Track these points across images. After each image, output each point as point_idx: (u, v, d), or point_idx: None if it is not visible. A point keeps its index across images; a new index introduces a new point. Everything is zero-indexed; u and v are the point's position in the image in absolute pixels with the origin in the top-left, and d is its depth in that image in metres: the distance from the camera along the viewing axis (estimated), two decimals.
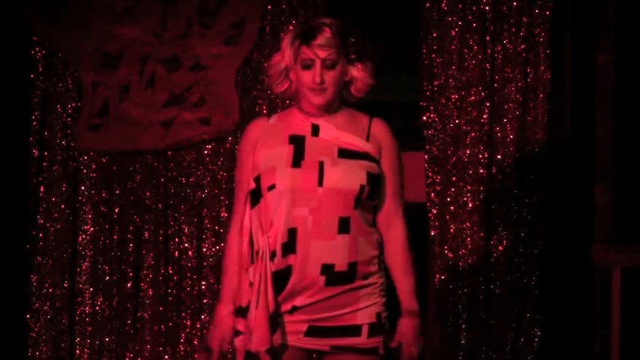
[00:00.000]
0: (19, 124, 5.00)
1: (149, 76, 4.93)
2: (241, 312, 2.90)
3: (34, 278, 4.98)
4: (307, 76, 2.88)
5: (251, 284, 2.86)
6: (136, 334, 4.95)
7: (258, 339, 2.81)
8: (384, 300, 2.94)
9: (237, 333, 2.92)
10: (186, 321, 4.90)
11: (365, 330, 2.89)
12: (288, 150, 2.87)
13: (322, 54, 2.85)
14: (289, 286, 2.84)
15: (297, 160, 2.86)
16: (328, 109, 2.93)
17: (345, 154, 2.88)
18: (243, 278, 2.91)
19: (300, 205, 2.82)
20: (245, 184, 2.94)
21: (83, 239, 4.98)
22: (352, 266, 2.85)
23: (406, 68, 5.27)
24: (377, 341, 2.91)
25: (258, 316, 2.81)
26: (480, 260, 4.61)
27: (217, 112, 4.86)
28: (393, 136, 2.99)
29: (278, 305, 2.85)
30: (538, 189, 4.60)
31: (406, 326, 2.93)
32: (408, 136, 4.83)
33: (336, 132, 2.91)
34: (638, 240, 4.36)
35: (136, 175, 4.96)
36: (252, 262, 2.87)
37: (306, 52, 2.87)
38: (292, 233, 2.82)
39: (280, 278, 2.83)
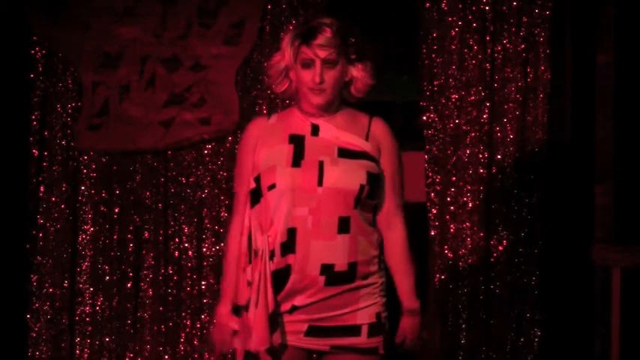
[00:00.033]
0: (19, 124, 5.00)
1: (149, 76, 4.93)
2: (237, 310, 2.91)
3: (34, 278, 4.98)
4: (307, 76, 2.88)
5: (249, 283, 2.86)
6: (136, 334, 4.95)
7: (258, 338, 2.81)
8: (384, 300, 2.94)
9: (234, 332, 2.93)
10: (186, 321, 4.90)
11: (365, 330, 2.89)
12: (288, 149, 2.87)
13: (322, 54, 2.86)
14: (289, 285, 2.84)
15: (297, 159, 2.86)
16: (328, 109, 2.93)
17: (344, 153, 2.88)
18: (240, 277, 2.91)
19: (300, 204, 2.82)
20: (245, 183, 2.94)
21: (83, 239, 4.98)
22: (352, 266, 2.85)
23: (406, 68, 5.27)
24: (377, 341, 2.91)
25: (257, 316, 2.81)
26: (480, 260, 4.61)
27: (217, 112, 4.86)
28: (392, 135, 2.99)
29: (277, 305, 2.85)
30: (538, 189, 4.60)
31: (407, 325, 2.96)
32: (408, 136, 4.83)
33: (335, 132, 2.91)
34: (638, 240, 4.36)
35: (136, 175, 4.96)
36: (250, 262, 2.87)
37: (306, 52, 2.87)
38: (292, 233, 2.82)
39: (279, 278, 2.84)
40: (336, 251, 2.83)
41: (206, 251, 4.89)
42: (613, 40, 4.46)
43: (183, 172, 4.93)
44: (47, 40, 4.99)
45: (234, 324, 2.92)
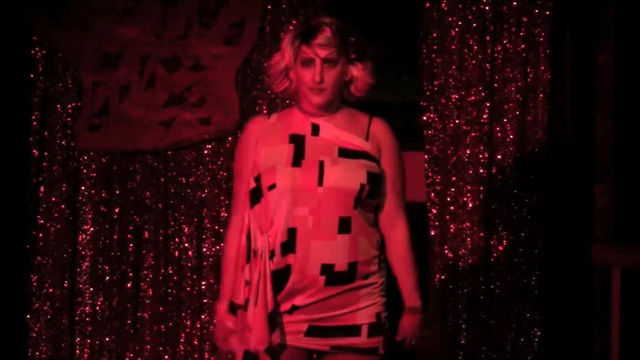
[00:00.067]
0: (19, 124, 5.00)
1: (149, 76, 4.93)
2: (233, 309, 2.91)
3: (34, 278, 4.98)
4: (307, 75, 2.88)
5: (247, 283, 2.86)
6: (136, 334, 4.95)
7: (257, 337, 2.81)
8: (383, 300, 2.95)
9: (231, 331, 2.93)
10: (186, 321, 4.90)
11: (365, 330, 2.89)
12: (288, 149, 2.87)
13: (322, 53, 2.86)
14: (289, 285, 2.84)
15: (298, 159, 2.86)
16: (328, 109, 2.93)
17: (345, 153, 2.88)
18: (239, 276, 2.91)
19: (300, 204, 2.82)
20: (245, 182, 2.94)
21: (83, 239, 4.98)
22: (352, 266, 2.85)
23: (406, 68, 5.27)
24: (377, 341, 2.91)
25: (257, 315, 2.81)
26: (480, 260, 4.61)
27: (217, 112, 4.86)
28: (393, 135, 2.99)
29: (277, 304, 2.85)
30: (538, 189, 4.60)
31: (407, 323, 2.96)
32: (408, 136, 4.83)
33: (336, 131, 2.91)
34: (638, 240, 4.36)
35: (136, 175, 4.96)
36: (249, 261, 2.87)
37: (307, 52, 2.87)
38: (292, 233, 2.82)
39: (279, 277, 2.83)
40: (336, 251, 2.83)
41: (206, 251, 4.89)
42: (613, 40, 4.46)
43: (183, 172, 4.93)
44: (47, 40, 4.99)
45: (230, 323, 2.92)
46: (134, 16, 4.95)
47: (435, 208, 4.67)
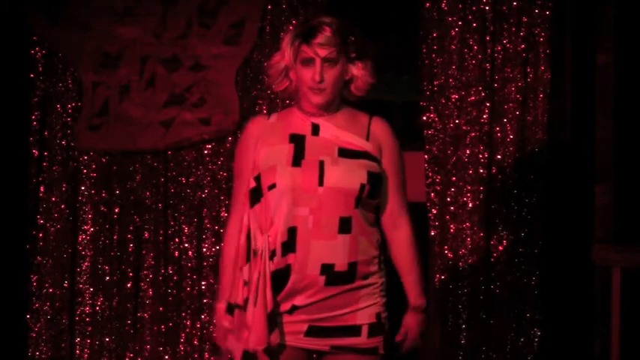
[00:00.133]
0: (19, 124, 5.00)
1: (149, 76, 4.93)
2: (230, 309, 2.91)
3: (34, 278, 4.98)
4: (307, 75, 2.88)
5: (245, 283, 2.86)
6: (136, 334, 4.95)
7: (256, 337, 2.81)
8: (384, 300, 2.95)
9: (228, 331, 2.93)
10: (186, 321, 4.90)
11: (365, 330, 2.89)
12: (288, 149, 2.87)
13: (322, 52, 2.86)
14: (289, 285, 2.83)
15: (298, 159, 2.86)
16: (328, 109, 2.93)
17: (345, 153, 2.88)
18: (237, 276, 2.90)
19: (300, 204, 2.82)
20: (245, 182, 2.93)
21: (83, 239, 4.98)
22: (352, 266, 2.85)
23: (406, 68, 5.27)
24: (377, 341, 2.91)
25: (256, 315, 2.81)
26: (480, 260, 4.61)
27: (217, 112, 4.86)
28: (393, 134, 2.99)
29: (276, 304, 2.85)
30: (538, 189, 4.60)
31: (411, 321, 2.97)
32: (408, 136, 4.83)
33: (336, 131, 2.91)
34: (638, 240, 4.36)
35: (136, 175, 4.96)
36: (248, 261, 2.87)
37: (307, 51, 2.87)
38: (292, 232, 2.82)
39: (280, 277, 2.83)
40: (336, 251, 2.83)
41: (206, 251, 4.89)
42: (613, 40, 4.46)
43: (183, 172, 4.93)
44: (47, 40, 4.99)
45: (227, 323, 2.92)
46: (134, 16, 4.95)
47: (435, 208, 4.67)
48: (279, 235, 2.83)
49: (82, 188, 4.98)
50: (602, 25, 4.49)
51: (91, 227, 4.97)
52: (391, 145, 2.97)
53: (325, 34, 2.85)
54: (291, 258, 2.82)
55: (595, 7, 4.51)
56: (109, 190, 4.97)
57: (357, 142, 2.91)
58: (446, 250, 4.65)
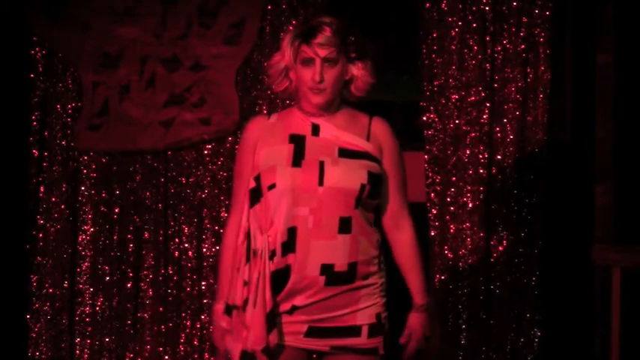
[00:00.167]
0: (19, 124, 5.00)
1: (149, 76, 4.93)
2: (228, 310, 2.91)
3: (34, 278, 4.98)
4: (307, 75, 2.87)
5: (245, 283, 2.86)
6: (136, 334, 4.95)
7: (255, 337, 2.81)
8: (383, 300, 2.95)
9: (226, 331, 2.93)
10: (186, 321, 4.90)
11: (365, 330, 2.89)
12: (288, 149, 2.87)
13: (322, 52, 2.86)
14: (289, 285, 2.83)
15: (298, 159, 2.86)
16: (328, 109, 2.93)
17: (345, 153, 2.88)
18: (234, 277, 2.90)
19: (300, 204, 2.82)
20: (245, 182, 2.94)
21: (83, 239, 4.98)
22: (352, 266, 2.85)
23: (406, 68, 5.27)
24: (377, 341, 2.91)
25: (255, 315, 2.81)
26: (480, 260, 4.61)
27: (217, 112, 4.86)
28: (393, 135, 2.99)
29: (276, 305, 2.85)
30: (538, 189, 4.60)
31: (415, 321, 2.99)
32: (408, 136, 4.83)
33: (336, 131, 2.91)
34: (638, 240, 4.36)
35: (136, 175, 4.96)
36: (248, 261, 2.87)
37: (306, 51, 2.87)
38: (292, 232, 2.82)
39: (280, 277, 2.83)
40: (336, 251, 2.83)
41: (206, 251, 4.89)
42: (613, 40, 4.46)
43: (183, 172, 4.93)
44: (47, 40, 4.99)
45: (225, 323, 2.92)
46: (134, 16, 4.95)
47: (435, 209, 4.67)
48: (278, 235, 2.83)
49: (82, 188, 4.98)
50: (602, 25, 4.49)
51: (91, 227, 4.97)
52: (392, 145, 2.97)
53: (325, 34, 2.85)
54: (290, 258, 2.82)
55: (595, 7, 4.51)
56: (109, 191, 4.97)
57: (358, 143, 2.91)
58: (446, 250, 4.65)
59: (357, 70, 2.93)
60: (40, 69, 4.99)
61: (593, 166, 4.47)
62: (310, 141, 2.89)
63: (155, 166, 4.94)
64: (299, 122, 2.93)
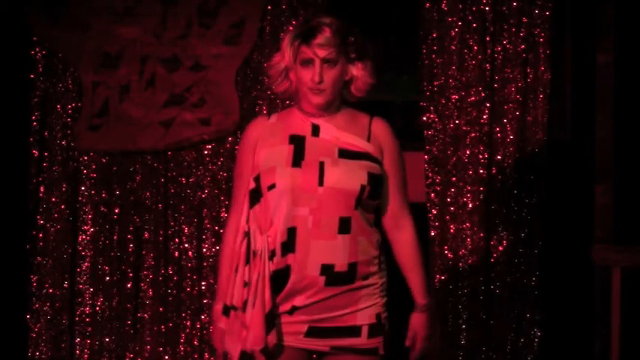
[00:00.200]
0: (19, 124, 5.00)
1: (149, 76, 4.93)
2: (226, 311, 2.91)
3: (34, 279, 4.98)
4: (307, 75, 2.88)
5: (245, 284, 2.86)
6: (136, 334, 4.95)
7: (254, 338, 2.81)
8: (384, 300, 2.95)
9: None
10: (186, 321, 4.90)
11: (365, 331, 2.89)
12: (288, 150, 2.87)
13: (322, 53, 2.86)
14: (289, 286, 2.83)
15: (298, 159, 2.86)
16: (328, 109, 2.93)
17: (345, 154, 2.88)
18: (232, 277, 2.90)
19: (300, 204, 2.82)
20: (244, 183, 2.94)
21: (83, 239, 4.98)
22: (352, 266, 2.85)
23: (406, 68, 5.27)
24: (377, 342, 2.91)
25: (254, 316, 2.81)
26: (480, 260, 4.61)
27: (217, 112, 4.86)
28: (393, 135, 2.99)
29: (275, 305, 2.85)
30: (538, 189, 4.60)
31: (418, 322, 2.99)
32: (408, 136, 4.83)
33: (336, 132, 2.91)
34: (638, 240, 4.36)
35: (136, 175, 4.96)
36: (248, 262, 2.87)
37: (306, 52, 2.87)
38: (292, 232, 2.82)
39: (279, 278, 2.83)
40: (336, 251, 2.83)
41: (206, 252, 4.89)
42: (613, 40, 4.46)
43: (183, 172, 4.93)
44: (47, 40, 4.99)
45: (222, 324, 2.92)
46: (134, 16, 4.95)
47: (435, 209, 4.67)
48: (278, 236, 2.83)
49: (82, 188, 4.98)
50: (602, 25, 4.49)
51: (91, 227, 4.97)
52: (392, 145, 2.97)
53: (325, 35, 2.85)
54: (290, 258, 2.82)
55: (595, 7, 4.51)
56: (109, 191, 4.97)
57: (358, 143, 2.91)
58: (446, 250, 4.65)
59: (356, 71, 2.93)
60: (40, 69, 4.99)
61: (593, 166, 4.47)
62: (310, 141, 2.89)
63: (155, 166, 4.94)
64: (299, 123, 2.93)
